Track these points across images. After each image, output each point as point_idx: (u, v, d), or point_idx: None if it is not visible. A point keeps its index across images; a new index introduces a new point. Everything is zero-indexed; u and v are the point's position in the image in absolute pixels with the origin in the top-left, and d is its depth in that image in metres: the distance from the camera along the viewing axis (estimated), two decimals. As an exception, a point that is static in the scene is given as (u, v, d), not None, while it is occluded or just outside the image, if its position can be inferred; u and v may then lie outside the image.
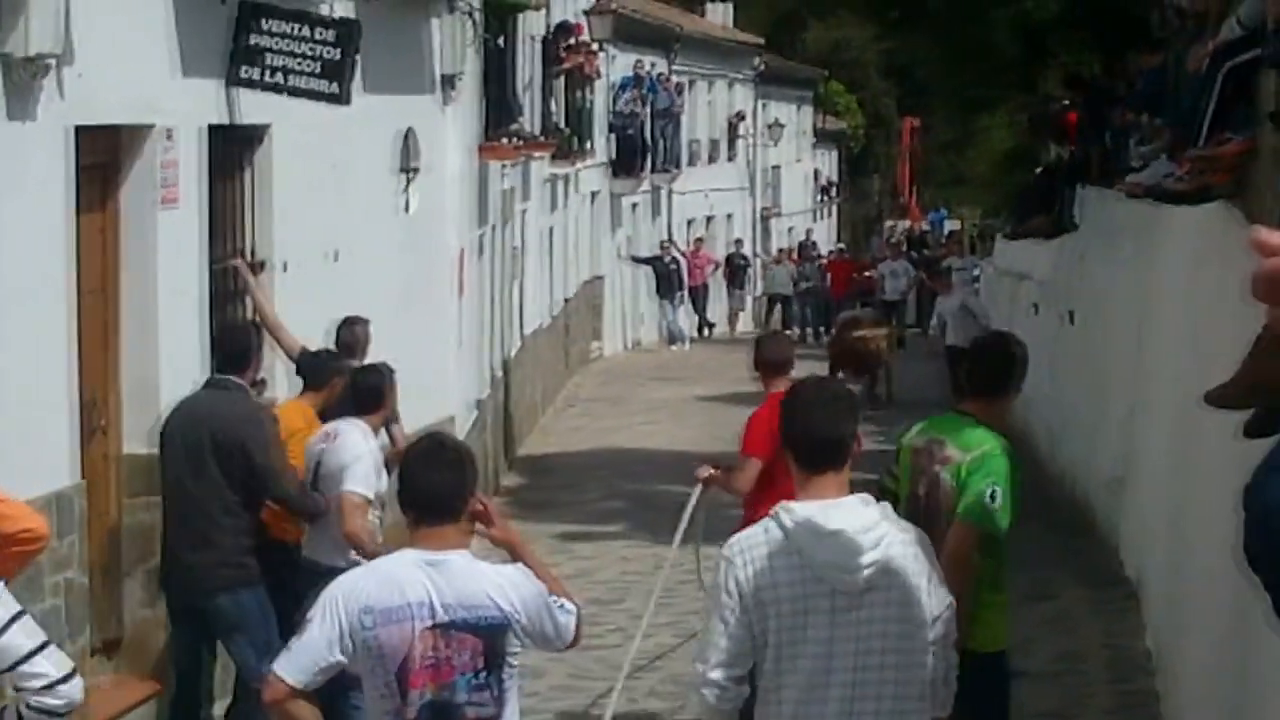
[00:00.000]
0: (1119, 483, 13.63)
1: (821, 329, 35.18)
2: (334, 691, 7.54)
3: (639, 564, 14.27)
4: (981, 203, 49.39)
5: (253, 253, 10.76)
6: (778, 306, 37.87)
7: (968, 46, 22.66)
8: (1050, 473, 18.23)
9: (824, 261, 38.29)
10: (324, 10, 11.03)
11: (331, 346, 10.30)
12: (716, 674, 4.71)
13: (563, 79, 24.34)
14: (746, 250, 40.03)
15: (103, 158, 9.14)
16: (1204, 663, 8.29)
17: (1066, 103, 18.96)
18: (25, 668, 4.65)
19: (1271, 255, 1.37)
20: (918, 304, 34.69)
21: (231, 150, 10.49)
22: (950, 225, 47.32)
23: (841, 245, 44.39)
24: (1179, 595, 9.68)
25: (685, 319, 34.58)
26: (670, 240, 35.40)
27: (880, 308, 32.86)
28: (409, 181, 13.54)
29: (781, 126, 45.50)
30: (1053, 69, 22.88)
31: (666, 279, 33.59)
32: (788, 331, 37.86)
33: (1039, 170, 20.66)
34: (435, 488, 4.88)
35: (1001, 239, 28.58)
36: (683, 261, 34.86)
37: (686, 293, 34.85)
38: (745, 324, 39.23)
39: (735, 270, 37.95)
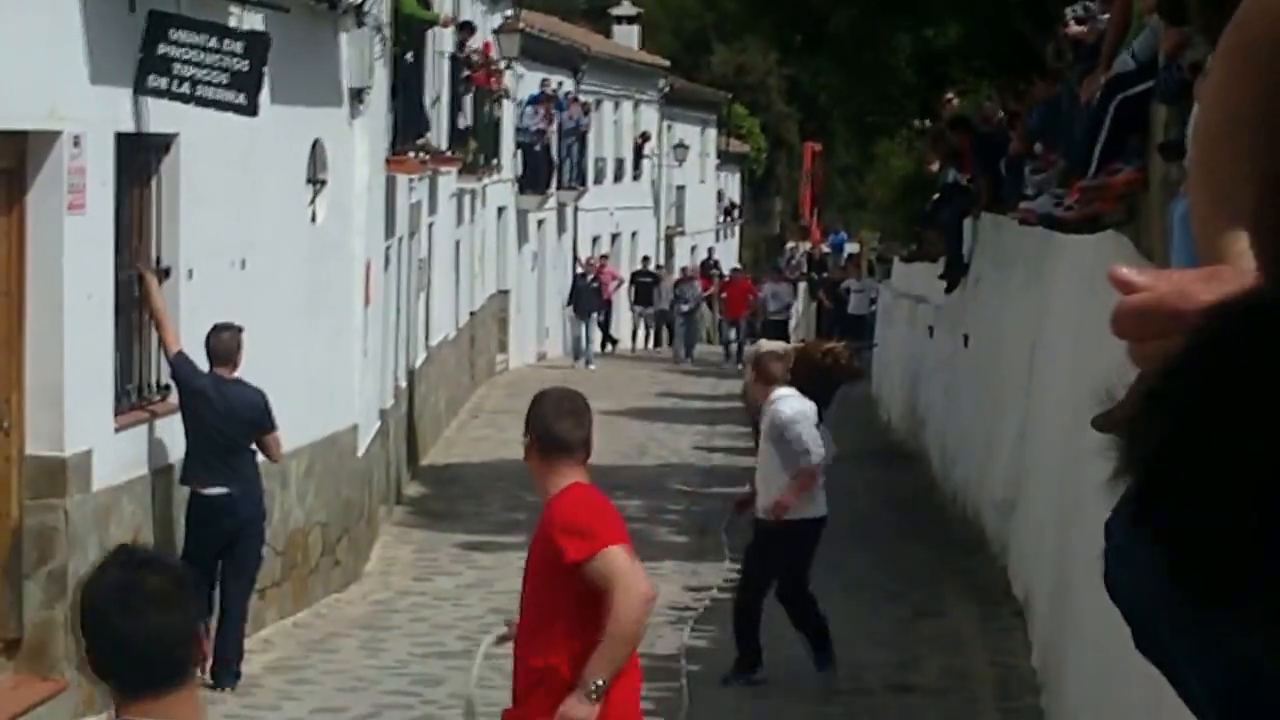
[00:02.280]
0: (1009, 504, 13.91)
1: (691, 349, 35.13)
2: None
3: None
4: (880, 226, 49.94)
5: (159, 260, 10.83)
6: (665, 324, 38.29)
7: (868, 72, 23.00)
8: (943, 492, 18.53)
9: (702, 281, 38.40)
10: (233, 22, 11.11)
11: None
12: None
13: (471, 95, 24.45)
14: (653, 268, 40.09)
15: (10, 163, 9.19)
16: (1087, 682, 8.52)
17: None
18: None
19: (1131, 293, 1.48)
20: (818, 324, 35.07)
21: (139, 158, 10.56)
22: (850, 248, 47.73)
23: (737, 265, 44.38)
24: (1064, 615, 9.92)
25: (595, 338, 34.51)
26: (583, 258, 35.53)
27: (767, 328, 33.14)
28: (316, 192, 13.62)
29: (686, 148, 45.82)
30: (950, 99, 23.25)
31: (585, 297, 33.42)
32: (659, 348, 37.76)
33: (935, 196, 20.99)
34: (146, 638, 3.28)
35: (899, 262, 28.96)
36: (608, 282, 34.94)
37: (602, 314, 34.82)
38: (650, 340, 39.49)
39: (641, 288, 37.94)
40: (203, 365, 10.61)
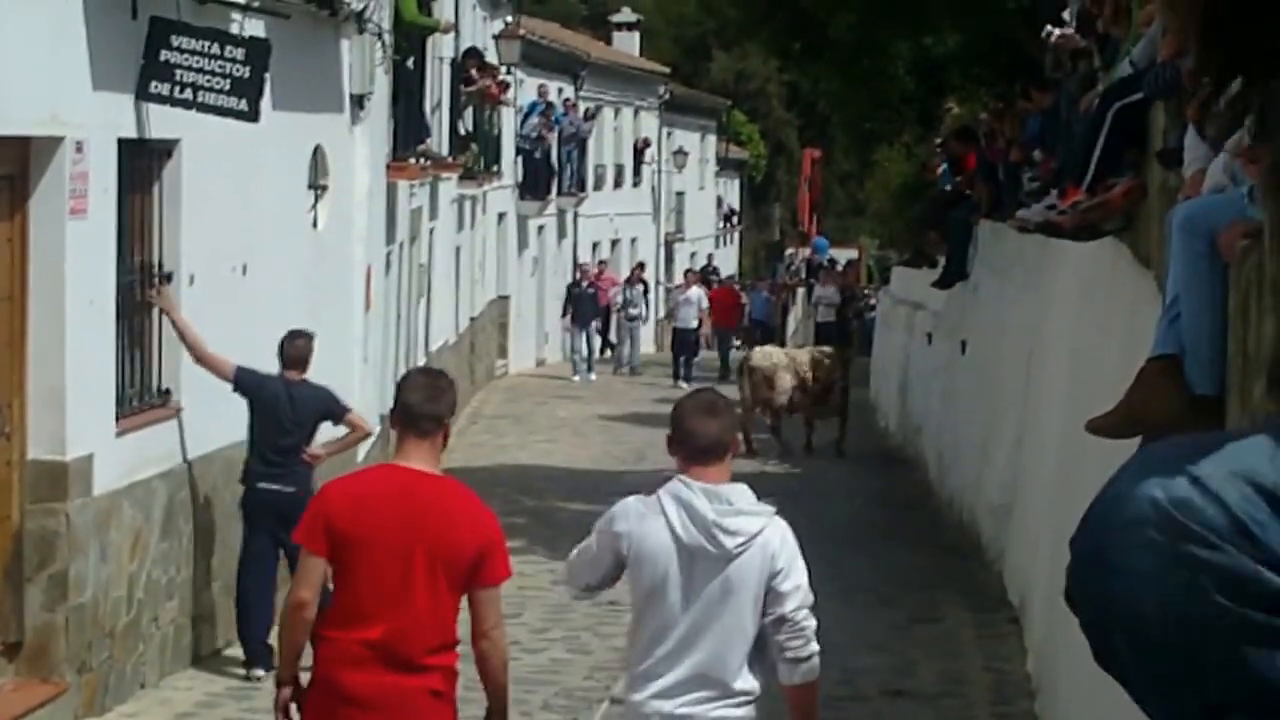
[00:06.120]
0: (1005, 509, 13.96)
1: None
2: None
3: (536, 579, 14.45)
4: (879, 233, 50.01)
5: (160, 265, 10.88)
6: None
7: (867, 79, 23.09)
8: (939, 497, 18.58)
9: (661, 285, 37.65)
10: (235, 29, 11.17)
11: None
12: None
13: (472, 103, 24.52)
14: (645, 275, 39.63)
15: (12, 168, 9.24)
16: (1082, 687, 8.57)
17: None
18: None
19: None
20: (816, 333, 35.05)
21: (141, 163, 10.61)
22: (835, 254, 47.47)
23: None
24: (1059, 620, 9.97)
25: (595, 347, 33.67)
26: (580, 267, 35.35)
27: (676, 336, 32.78)
28: (318, 198, 13.69)
29: (686, 154, 45.90)
30: (950, 108, 23.35)
31: (583, 305, 32.35)
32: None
33: (936, 197, 21.05)
34: None
35: (898, 268, 29.02)
36: (606, 288, 34.29)
37: (600, 321, 34.15)
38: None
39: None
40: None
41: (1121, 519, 1.38)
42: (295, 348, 10.97)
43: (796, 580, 5.59)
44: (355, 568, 5.88)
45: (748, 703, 5.60)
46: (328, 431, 11.36)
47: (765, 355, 23.01)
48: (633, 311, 34.32)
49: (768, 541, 5.56)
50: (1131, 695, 1.42)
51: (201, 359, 10.79)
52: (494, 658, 5.98)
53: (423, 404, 5.98)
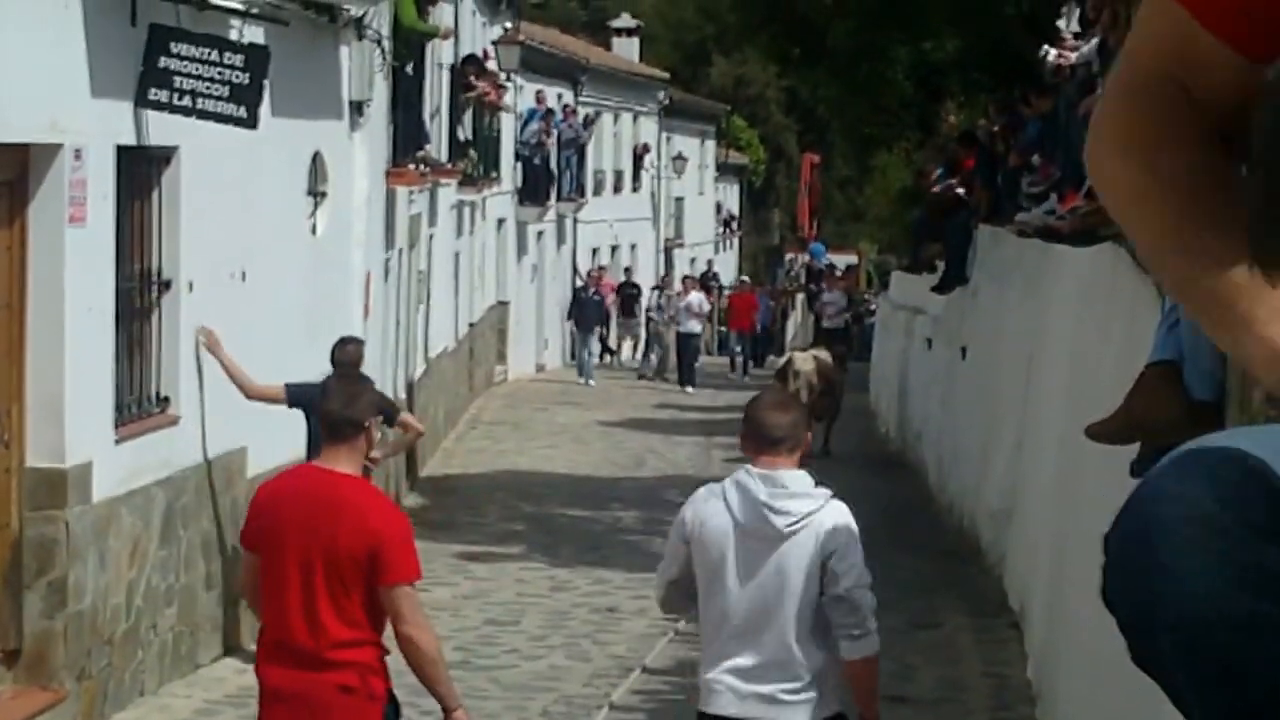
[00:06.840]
0: (1005, 514, 13.95)
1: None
2: None
3: (535, 585, 14.46)
4: (879, 238, 50.01)
5: (159, 272, 10.88)
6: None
7: (866, 84, 23.10)
8: (939, 503, 18.57)
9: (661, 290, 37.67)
10: (234, 35, 11.17)
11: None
12: None
13: (470, 108, 24.51)
14: (639, 279, 39.56)
15: (11, 175, 9.24)
16: (1083, 694, 8.56)
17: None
18: None
19: None
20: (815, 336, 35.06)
21: (140, 170, 10.61)
22: (834, 260, 47.45)
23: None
24: (1060, 626, 9.95)
25: (596, 352, 33.79)
26: (584, 270, 35.27)
27: (678, 341, 32.80)
28: (316, 205, 13.69)
29: (685, 159, 45.89)
30: (949, 112, 23.37)
31: (588, 310, 32.42)
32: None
33: (931, 201, 21.04)
34: None
35: (897, 273, 29.00)
36: (605, 294, 34.29)
37: (604, 327, 34.19)
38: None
39: (626, 299, 37.55)
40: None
41: (1163, 517, 1.33)
42: (345, 352, 11.12)
43: (852, 560, 5.86)
44: (267, 565, 6.16)
45: (811, 680, 5.86)
46: None
47: (806, 359, 23.00)
48: (664, 316, 34.37)
49: (821, 522, 5.86)
50: (1169, 695, 1.39)
51: (254, 395, 11.01)
52: (411, 655, 6.15)
53: (341, 411, 6.19)
